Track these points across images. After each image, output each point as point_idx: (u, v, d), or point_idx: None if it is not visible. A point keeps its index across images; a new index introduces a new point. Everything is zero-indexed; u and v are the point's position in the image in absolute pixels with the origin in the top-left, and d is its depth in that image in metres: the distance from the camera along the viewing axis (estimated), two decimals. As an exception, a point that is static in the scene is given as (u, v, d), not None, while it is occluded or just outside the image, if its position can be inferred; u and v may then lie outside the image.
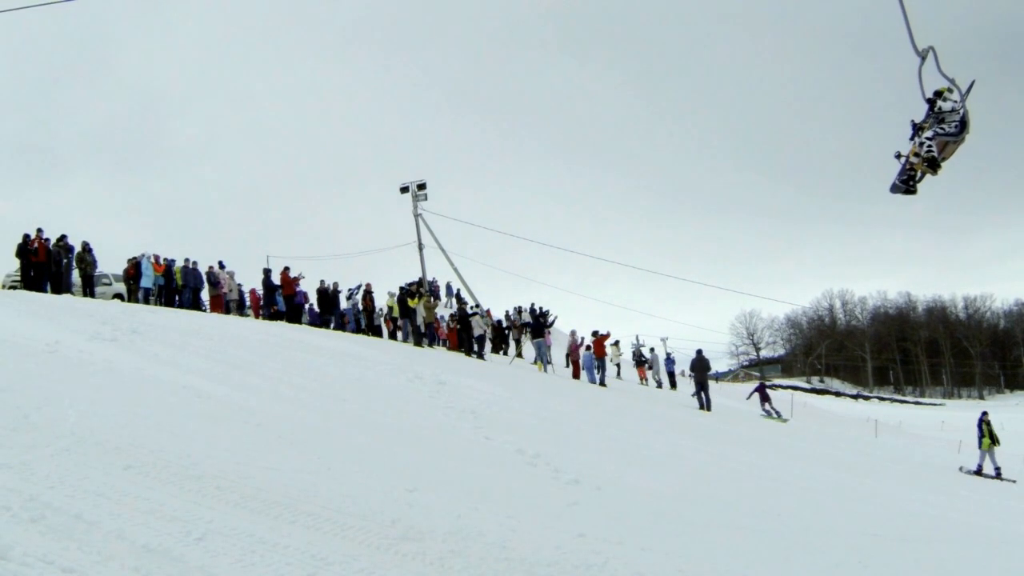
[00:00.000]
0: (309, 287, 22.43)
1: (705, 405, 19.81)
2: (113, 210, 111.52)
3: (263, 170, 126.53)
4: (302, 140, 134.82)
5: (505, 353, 25.70)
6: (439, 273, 37.99)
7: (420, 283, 27.62)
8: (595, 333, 22.60)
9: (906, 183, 6.81)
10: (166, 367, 9.35)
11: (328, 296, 22.07)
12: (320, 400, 9.47)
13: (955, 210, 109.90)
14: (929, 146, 6.54)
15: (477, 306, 27.48)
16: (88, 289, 17.83)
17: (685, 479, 9.12)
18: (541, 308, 28.24)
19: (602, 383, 21.52)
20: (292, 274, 21.29)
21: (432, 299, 25.34)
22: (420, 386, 12.04)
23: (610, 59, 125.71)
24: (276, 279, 21.45)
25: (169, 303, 19.08)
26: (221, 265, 21.19)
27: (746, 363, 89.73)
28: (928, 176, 6.74)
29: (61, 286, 16.95)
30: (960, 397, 77.65)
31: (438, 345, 23.68)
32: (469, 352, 21.58)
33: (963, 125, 6.37)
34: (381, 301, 23.91)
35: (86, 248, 17.86)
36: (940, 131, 6.41)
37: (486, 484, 6.92)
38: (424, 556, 4.56)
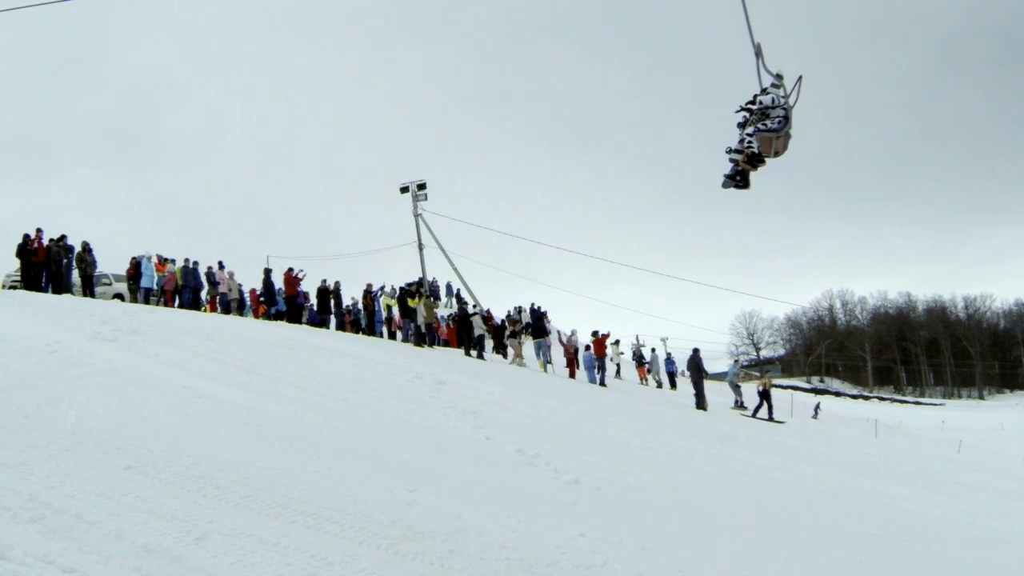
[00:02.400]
0: (309, 286, 22.47)
1: (700, 404, 19.82)
2: (110, 207, 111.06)
3: (262, 166, 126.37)
4: (301, 135, 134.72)
5: (505, 356, 25.70)
6: (439, 273, 38.05)
7: (420, 283, 27.63)
8: (595, 333, 22.60)
9: (733, 178, 6.93)
10: (166, 367, 9.35)
11: (328, 296, 22.08)
12: (320, 400, 9.47)
13: (955, 210, 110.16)
14: (749, 142, 6.68)
15: (476, 306, 27.50)
16: (88, 289, 17.82)
17: (685, 479, 9.12)
18: (541, 308, 28.27)
19: (602, 383, 21.52)
20: (294, 273, 21.26)
21: (432, 299, 25.35)
22: (420, 386, 12.03)
23: (612, 56, 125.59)
24: (277, 279, 21.46)
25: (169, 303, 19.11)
26: (221, 265, 21.21)
27: (746, 363, 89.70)
28: (760, 167, 6.85)
29: (61, 286, 16.95)
30: (960, 397, 77.68)
31: (438, 345, 23.69)
32: (469, 352, 21.58)
33: (786, 120, 6.48)
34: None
35: (86, 248, 17.86)
36: (762, 127, 6.54)
37: (486, 484, 6.92)
38: (424, 556, 4.56)
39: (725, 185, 6.99)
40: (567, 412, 13.13)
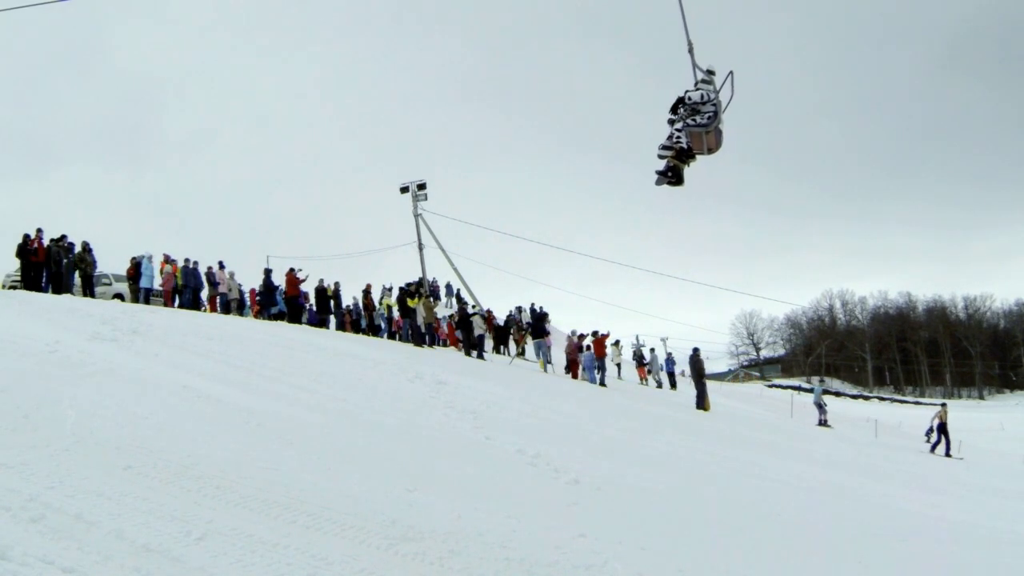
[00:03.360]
0: (308, 286, 22.45)
1: (700, 404, 19.82)
2: (108, 205, 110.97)
3: (262, 165, 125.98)
4: (301, 133, 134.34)
5: (508, 353, 25.73)
6: (439, 273, 38.05)
7: (420, 283, 27.63)
8: (595, 333, 22.60)
9: (665, 174, 7.02)
10: (166, 367, 9.35)
11: (328, 296, 22.07)
12: (320, 400, 9.47)
13: (955, 210, 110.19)
14: (678, 138, 6.77)
15: (476, 306, 27.49)
16: (88, 289, 17.82)
17: (685, 479, 9.12)
18: (541, 308, 28.25)
19: (602, 383, 21.52)
20: (297, 274, 21.24)
21: (432, 299, 25.35)
22: (420, 386, 12.04)
23: (613, 55, 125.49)
24: (278, 279, 21.46)
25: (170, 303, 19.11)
26: (221, 265, 21.20)
27: (746, 363, 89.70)
28: (692, 163, 6.97)
29: (61, 286, 16.95)
30: (960, 397, 77.55)
31: (438, 345, 23.69)
32: (469, 352, 21.58)
33: (715, 116, 6.54)
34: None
35: (86, 248, 17.86)
36: (691, 123, 6.62)
37: (486, 484, 6.92)
38: (424, 556, 4.56)
39: (658, 183, 7.08)
40: (567, 412, 13.14)
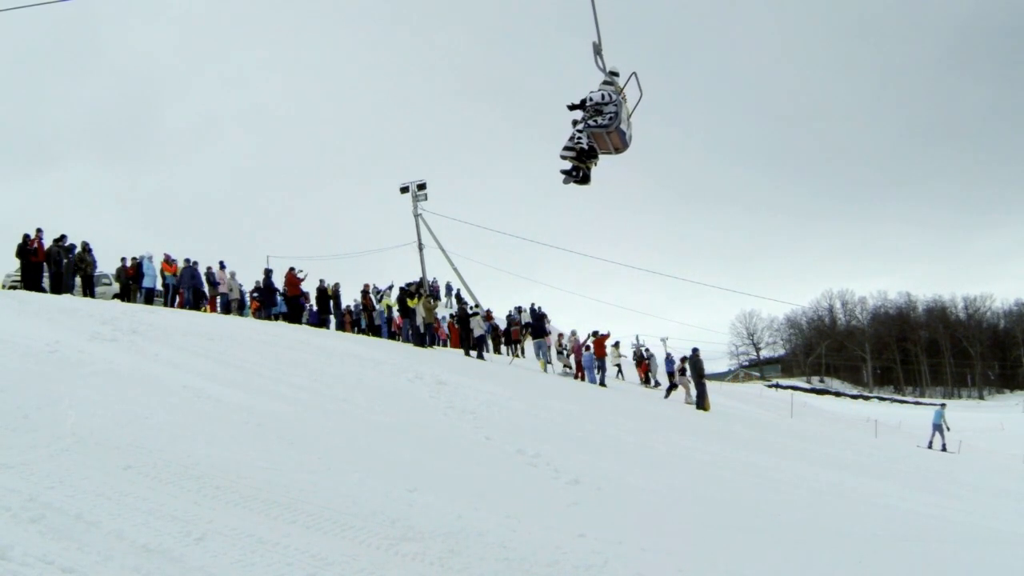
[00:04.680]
0: (308, 286, 22.45)
1: (700, 404, 19.82)
2: (105, 203, 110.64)
3: (261, 164, 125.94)
4: (301, 133, 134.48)
5: (511, 352, 25.74)
6: (439, 273, 38.03)
7: (420, 283, 27.62)
8: (595, 333, 22.61)
9: (570, 173, 7.11)
10: (166, 367, 9.34)
11: (328, 296, 22.07)
12: (320, 400, 9.47)
13: (955, 210, 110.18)
14: (579, 139, 6.87)
15: (477, 306, 27.48)
16: (88, 289, 17.82)
17: (685, 479, 9.11)
18: (541, 308, 28.23)
19: (602, 383, 21.52)
20: (297, 274, 21.23)
21: (432, 299, 25.33)
22: (420, 386, 12.03)
23: (613, 55, 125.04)
24: (278, 280, 21.45)
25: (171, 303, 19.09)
26: (222, 265, 21.20)
27: (746, 363, 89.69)
28: (595, 163, 7.06)
29: (61, 286, 16.95)
30: (960, 397, 77.56)
31: (438, 345, 23.68)
32: (469, 352, 21.58)
33: (616, 116, 6.63)
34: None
35: (86, 248, 17.85)
36: (592, 124, 6.70)
37: (486, 484, 6.92)
38: (424, 556, 4.56)
39: (565, 182, 7.19)
40: (567, 412, 13.13)
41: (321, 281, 22.13)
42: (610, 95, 6.70)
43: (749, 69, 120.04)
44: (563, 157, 7.04)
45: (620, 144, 6.88)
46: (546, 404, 13.47)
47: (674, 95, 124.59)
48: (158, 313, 15.02)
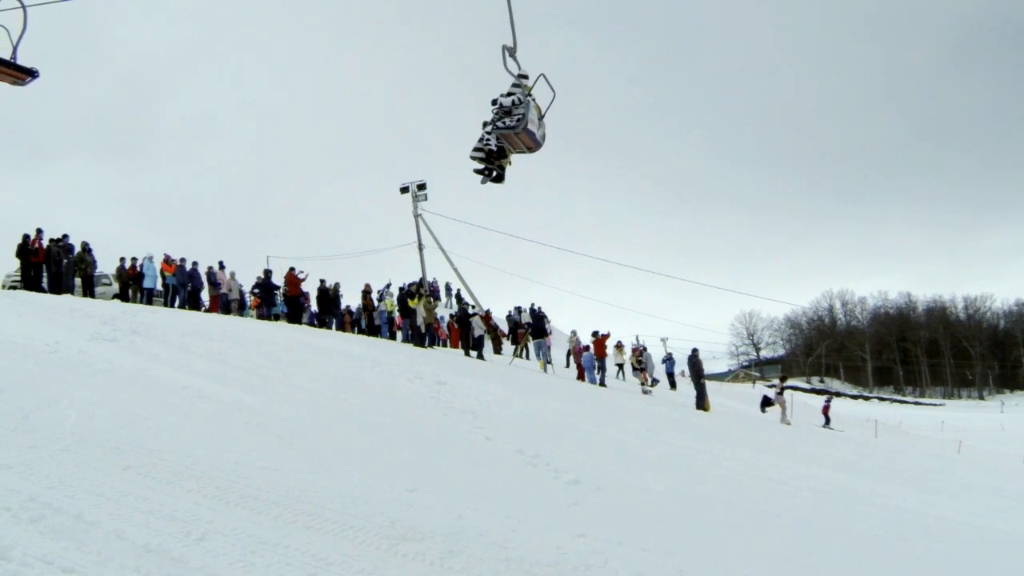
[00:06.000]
0: (309, 287, 22.45)
1: (700, 404, 19.82)
2: (102, 200, 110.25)
3: (261, 162, 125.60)
4: (301, 133, 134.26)
5: (521, 354, 25.73)
6: (439, 273, 38.01)
7: (420, 283, 27.62)
8: (595, 333, 22.61)
9: (482, 173, 7.38)
10: (166, 367, 9.34)
11: (328, 296, 22.06)
12: (320, 400, 9.47)
13: (956, 210, 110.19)
14: (487, 140, 7.15)
15: (476, 306, 27.50)
16: (88, 289, 17.82)
17: (685, 479, 9.11)
18: (541, 308, 28.24)
19: (602, 383, 21.52)
20: (297, 274, 21.22)
21: (432, 299, 25.34)
22: (420, 386, 12.03)
23: (613, 54, 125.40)
24: (278, 280, 21.45)
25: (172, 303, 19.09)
26: (221, 265, 21.20)
27: (746, 363, 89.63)
28: (507, 163, 7.36)
29: (61, 286, 16.95)
30: (960, 397, 77.58)
31: (438, 345, 23.68)
32: (469, 352, 21.59)
33: (524, 117, 6.83)
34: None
35: (86, 248, 17.86)
36: (500, 125, 6.91)
37: (486, 484, 6.92)
38: (424, 556, 4.56)
39: (483, 181, 7.46)
40: (567, 412, 13.13)
41: (322, 281, 22.14)
42: (519, 97, 6.90)
43: (749, 69, 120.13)
44: (472, 158, 7.33)
45: (531, 144, 7.09)
46: (546, 404, 13.47)
47: (674, 95, 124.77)
48: (158, 313, 15.02)
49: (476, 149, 7.27)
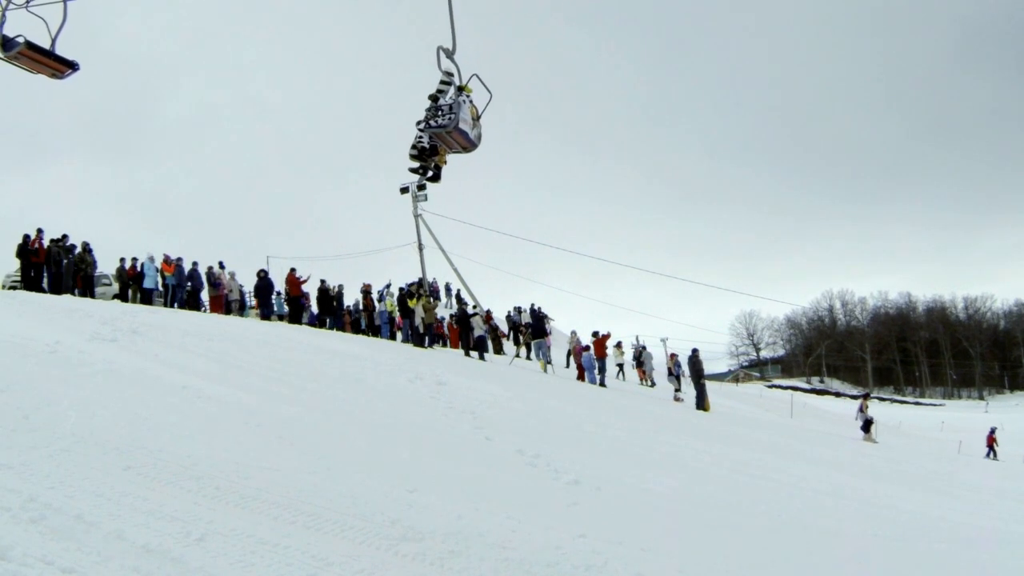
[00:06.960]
0: (310, 287, 22.44)
1: (700, 404, 19.82)
2: (101, 198, 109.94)
3: (260, 161, 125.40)
4: (301, 132, 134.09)
5: (517, 354, 25.73)
6: (439, 273, 38.03)
7: (420, 283, 27.62)
8: (595, 333, 22.61)
9: (417, 171, 7.51)
10: (166, 367, 9.34)
11: (329, 297, 22.06)
12: (320, 400, 9.47)
13: (956, 210, 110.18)
14: (420, 139, 7.24)
15: (476, 306, 27.49)
16: (88, 289, 17.81)
17: (685, 479, 9.11)
18: (541, 308, 28.24)
19: (602, 383, 21.52)
20: (298, 275, 21.22)
21: (432, 299, 25.35)
22: (420, 386, 12.03)
23: (613, 54, 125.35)
24: (277, 280, 21.46)
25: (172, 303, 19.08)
26: (221, 265, 21.20)
27: (746, 363, 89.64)
28: (440, 161, 7.47)
29: (61, 286, 16.95)
30: (960, 398, 77.62)
31: (438, 345, 23.68)
32: (469, 352, 21.59)
33: (455, 116, 6.89)
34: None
35: (86, 248, 17.86)
36: (432, 124, 6.96)
37: (486, 484, 6.92)
38: (424, 556, 4.56)
39: (419, 181, 7.80)
40: (567, 412, 13.13)
41: (322, 282, 22.14)
42: (448, 96, 6.97)
43: (750, 68, 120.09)
44: (411, 156, 7.42)
45: (466, 143, 7.11)
46: (546, 404, 13.47)
47: (675, 94, 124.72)
48: (158, 313, 15.02)
49: (412, 147, 7.37)
